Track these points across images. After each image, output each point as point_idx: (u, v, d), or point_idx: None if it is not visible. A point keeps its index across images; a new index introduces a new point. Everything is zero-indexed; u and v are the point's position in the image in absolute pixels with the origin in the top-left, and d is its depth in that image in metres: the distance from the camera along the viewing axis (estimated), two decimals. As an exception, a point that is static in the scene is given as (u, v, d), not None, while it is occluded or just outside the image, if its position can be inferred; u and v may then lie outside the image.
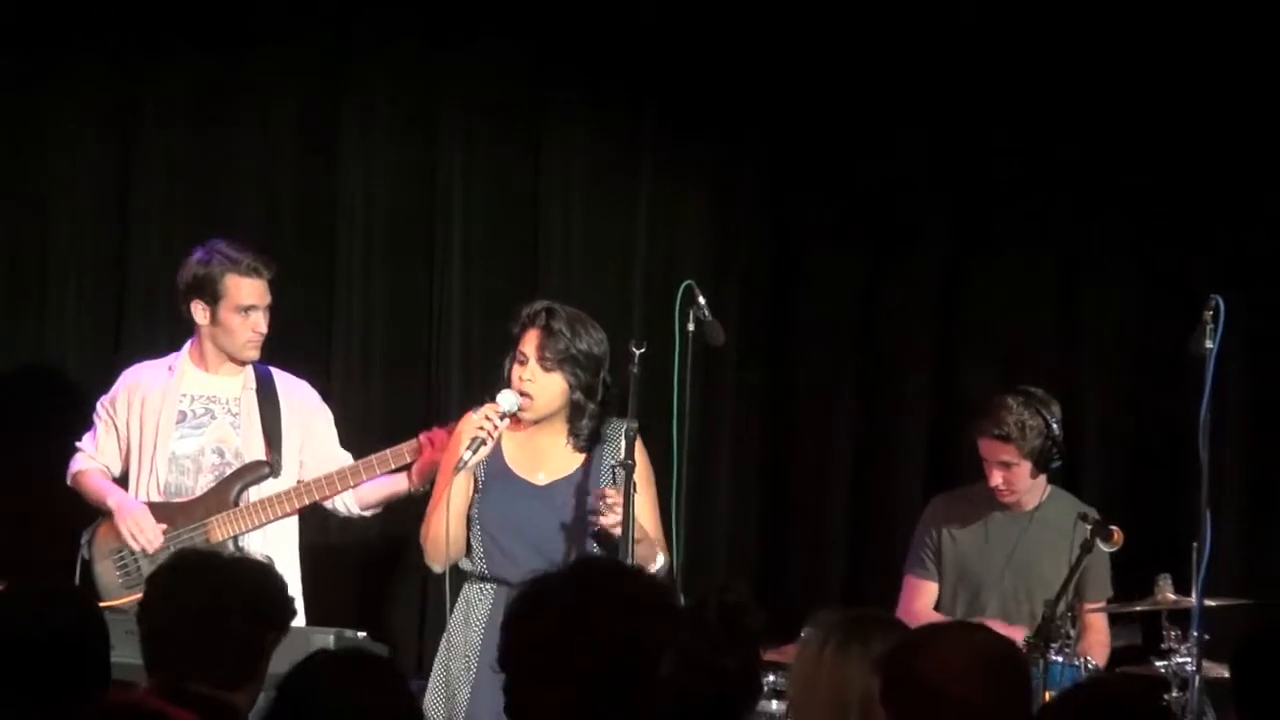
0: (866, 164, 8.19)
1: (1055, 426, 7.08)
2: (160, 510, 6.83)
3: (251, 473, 6.88)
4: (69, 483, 7.03)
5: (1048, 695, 6.49)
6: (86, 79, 8.09)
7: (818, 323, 8.24)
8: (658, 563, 6.42)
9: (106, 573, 6.79)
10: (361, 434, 7.30)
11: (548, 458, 6.48)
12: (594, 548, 6.40)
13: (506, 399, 6.38)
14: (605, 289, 7.37)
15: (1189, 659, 6.62)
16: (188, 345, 7.00)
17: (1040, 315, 8.22)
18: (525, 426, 6.47)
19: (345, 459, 6.94)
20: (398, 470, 6.83)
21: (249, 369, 6.97)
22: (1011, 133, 8.14)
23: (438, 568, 6.46)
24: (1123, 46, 8.04)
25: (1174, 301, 7.74)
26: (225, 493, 6.85)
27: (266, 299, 6.90)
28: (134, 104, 8.11)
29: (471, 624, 6.41)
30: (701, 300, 6.62)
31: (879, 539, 8.05)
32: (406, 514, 6.95)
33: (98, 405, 7.04)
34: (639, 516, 6.32)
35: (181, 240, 7.76)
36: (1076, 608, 7.11)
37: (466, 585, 6.45)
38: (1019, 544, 7.18)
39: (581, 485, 6.41)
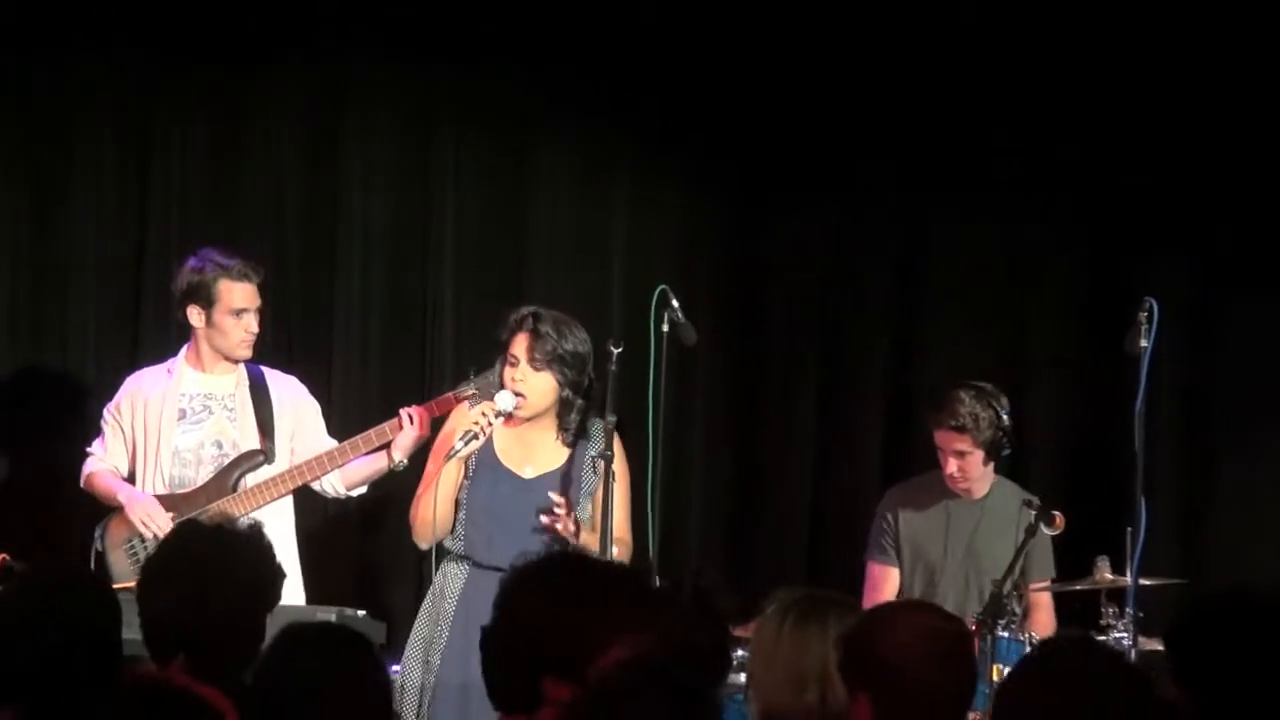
0: (827, 171, 8.20)
1: (1005, 418, 7.11)
2: (167, 501, 6.88)
3: (248, 461, 6.93)
4: (82, 485, 7.10)
5: (996, 668, 6.56)
6: (108, 97, 8.07)
7: (783, 324, 8.26)
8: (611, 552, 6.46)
9: (119, 561, 6.85)
10: (360, 418, 7.35)
11: (536, 452, 6.55)
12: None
13: (503, 399, 6.47)
14: (585, 292, 7.40)
15: (1125, 634, 6.62)
16: (184, 349, 7.07)
17: (987, 315, 8.23)
18: (518, 422, 6.50)
19: (332, 444, 6.98)
20: (380, 448, 6.85)
21: (241, 367, 7.02)
22: (964, 138, 8.15)
23: (423, 545, 6.57)
24: (1061, 51, 8.04)
25: (1112, 303, 7.73)
26: (225, 480, 6.90)
27: (256, 302, 6.96)
28: (151, 121, 8.10)
29: (446, 596, 6.53)
30: (675, 303, 6.68)
31: (840, 525, 8.04)
32: (405, 500, 6.97)
33: (104, 412, 7.11)
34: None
35: (195, 246, 7.80)
36: (1023, 587, 7.13)
37: (446, 561, 6.53)
38: (970, 529, 7.20)
39: (565, 479, 6.47)
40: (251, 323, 6.94)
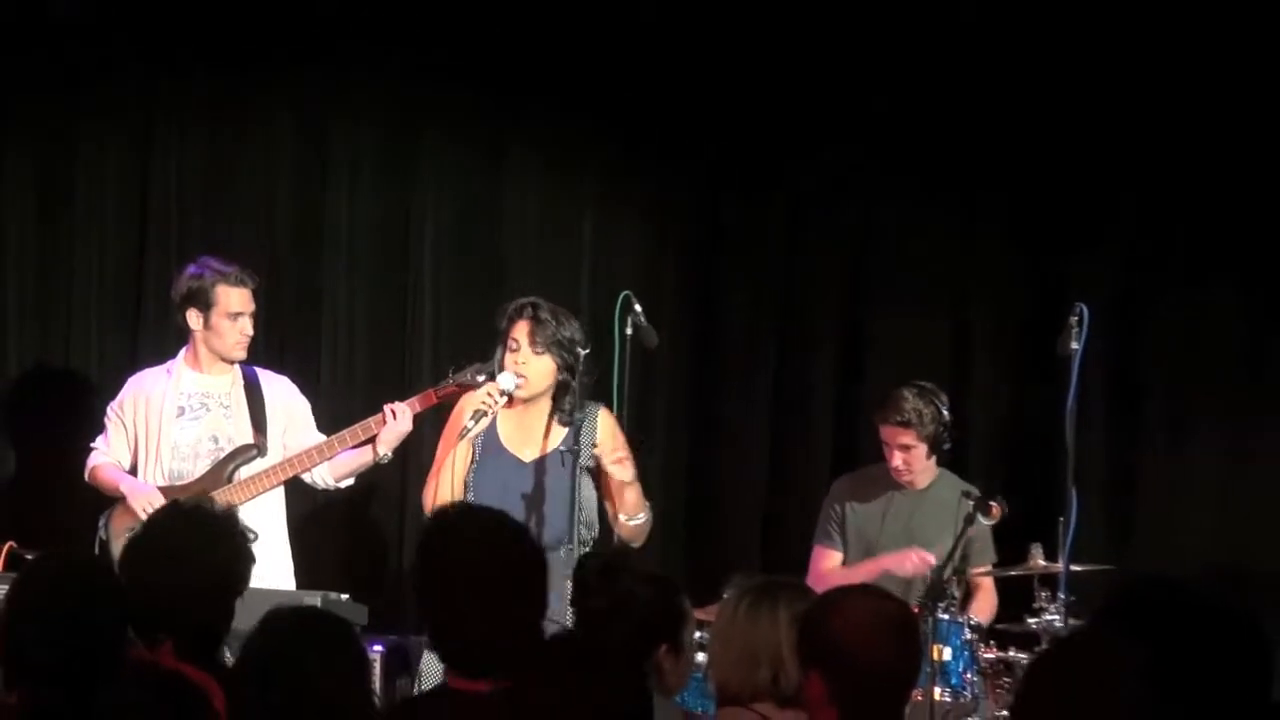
0: (779, 180, 8.23)
1: (945, 413, 7.18)
2: (166, 492, 6.88)
3: (242, 454, 6.97)
4: (86, 478, 7.13)
5: (936, 648, 6.60)
6: (109, 115, 8.11)
7: (739, 327, 8.30)
8: (643, 514, 6.58)
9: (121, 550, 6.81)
10: (346, 410, 7.40)
11: (536, 434, 6.65)
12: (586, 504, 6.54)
13: (505, 379, 6.59)
14: (556, 297, 7.39)
15: (1057, 616, 6.69)
16: (182, 351, 7.09)
17: (933, 317, 8.25)
18: (517, 405, 6.56)
19: (321, 439, 7.01)
20: (365, 442, 6.89)
21: (237, 368, 7.06)
22: (912, 145, 8.14)
23: None
24: (1005, 56, 8.03)
25: (1046, 306, 7.77)
26: (220, 472, 6.93)
27: (251, 306, 7.00)
28: (150, 137, 8.13)
29: None
30: (638, 308, 6.77)
31: (792, 512, 8.06)
32: (388, 490, 7.00)
33: (108, 409, 7.14)
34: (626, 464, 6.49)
35: (192, 247, 7.84)
36: (967, 572, 7.17)
37: None
38: (913, 518, 7.24)
39: (564, 458, 6.54)
40: (247, 325, 6.98)
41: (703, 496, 8.25)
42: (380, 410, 6.86)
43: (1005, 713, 6.77)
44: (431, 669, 6.19)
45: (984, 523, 6.94)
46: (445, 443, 6.70)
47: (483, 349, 7.71)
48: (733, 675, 4.22)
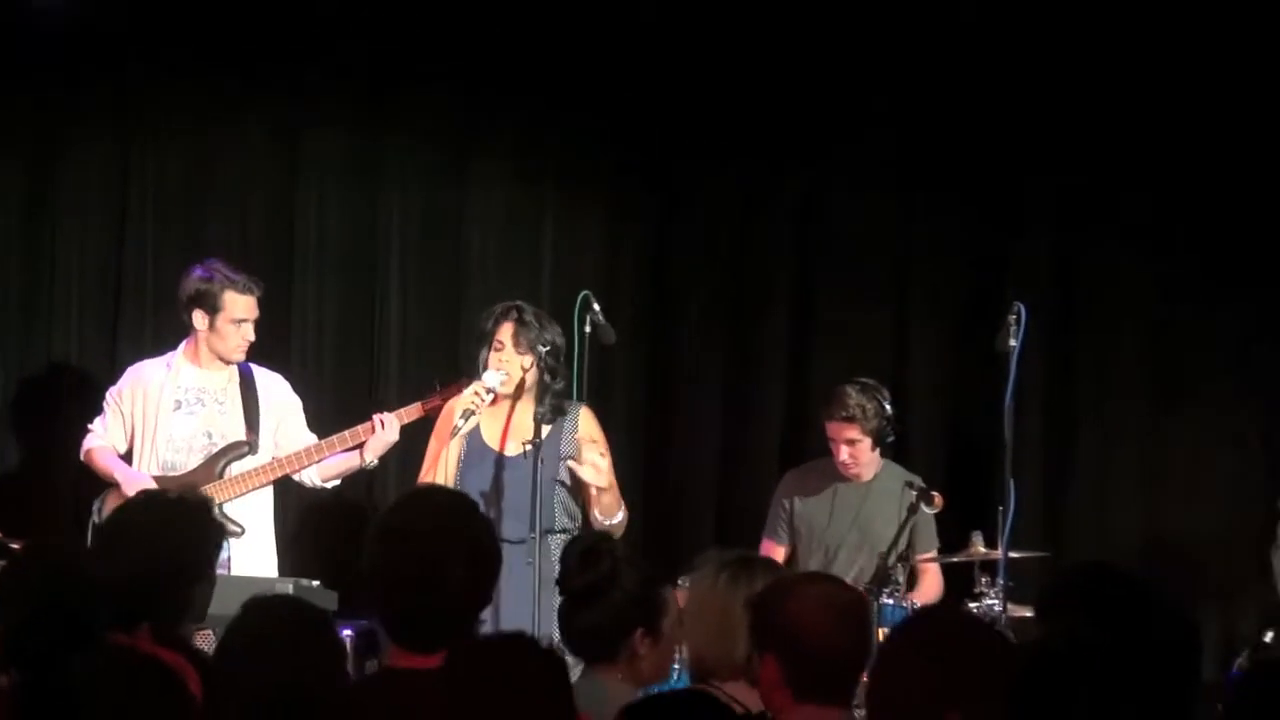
0: (732, 185, 8.26)
1: (888, 408, 7.21)
2: (159, 483, 6.85)
3: (234, 450, 6.97)
4: (82, 458, 7.12)
5: (880, 631, 6.62)
6: (90, 117, 8.07)
7: (692, 323, 8.32)
8: (619, 515, 6.62)
9: None
10: (314, 412, 7.38)
11: (519, 431, 6.65)
12: (565, 500, 6.57)
13: (491, 377, 6.64)
14: (518, 297, 7.39)
15: (997, 601, 6.75)
16: (183, 345, 7.09)
17: (877, 314, 8.28)
18: (500, 402, 6.62)
19: (312, 440, 7.05)
20: (354, 448, 6.93)
21: (233, 366, 7.04)
22: (858, 146, 8.18)
23: None
24: (961, 57, 8.05)
25: (986, 306, 7.80)
26: (212, 467, 6.93)
27: (255, 313, 7.02)
28: (129, 143, 8.10)
29: None
30: (596, 307, 6.84)
31: (742, 500, 8.11)
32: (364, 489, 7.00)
33: (107, 395, 7.14)
34: (603, 469, 6.55)
35: (168, 254, 7.85)
36: (911, 559, 7.20)
37: None
38: (860, 509, 7.28)
39: (547, 452, 6.55)
40: (249, 331, 7.00)
41: (658, 490, 8.25)
42: (367, 413, 6.91)
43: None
44: None
45: (927, 511, 6.98)
46: (436, 438, 6.74)
47: (448, 349, 7.73)
48: (708, 650, 4.17)
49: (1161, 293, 8.10)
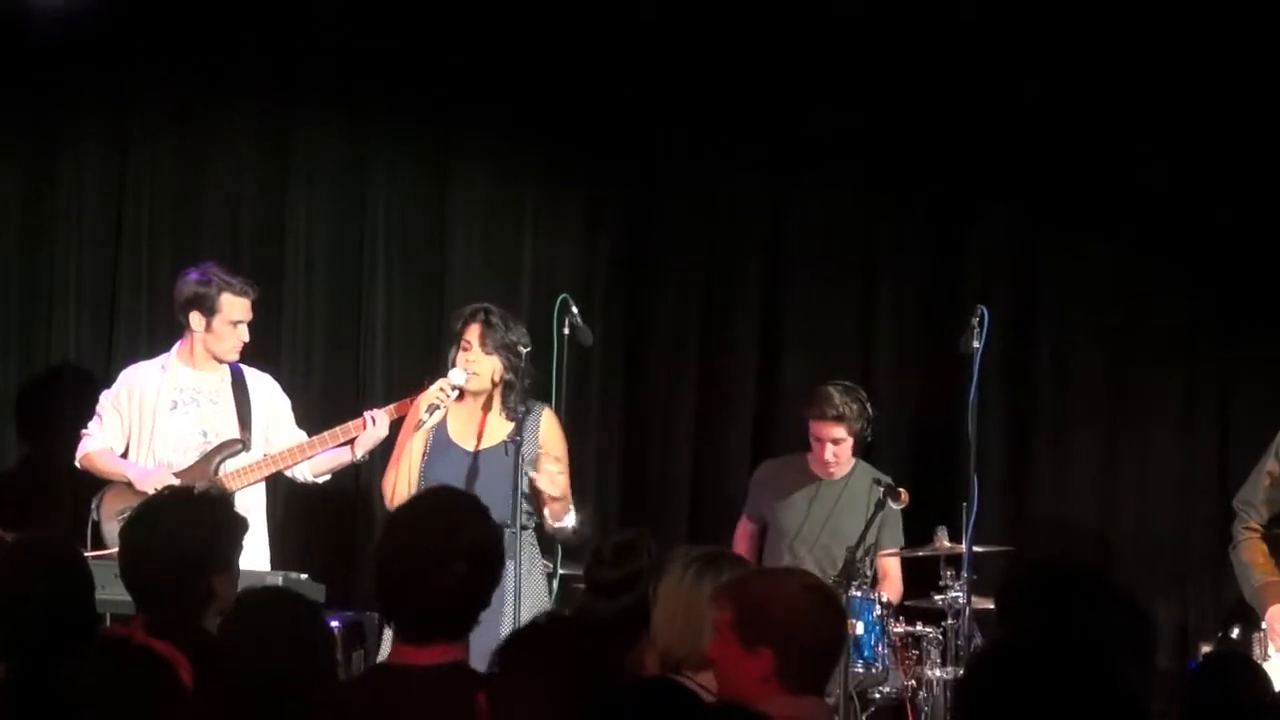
0: (705, 189, 8.28)
1: (869, 408, 7.24)
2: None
3: (228, 448, 7.01)
4: (78, 462, 7.14)
5: (851, 624, 6.66)
6: (87, 122, 8.09)
7: (668, 324, 8.35)
8: (569, 518, 6.63)
9: (112, 531, 6.82)
10: (303, 410, 7.42)
11: (485, 429, 6.68)
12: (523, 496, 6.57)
13: (456, 375, 6.70)
14: (499, 299, 7.43)
15: (961, 594, 6.79)
16: (176, 346, 7.13)
17: (845, 316, 8.30)
18: (466, 400, 6.67)
19: (302, 436, 7.11)
20: (344, 444, 6.97)
21: (226, 366, 7.09)
22: (826, 150, 8.19)
23: (391, 509, 6.60)
24: (926, 59, 8.04)
25: (951, 307, 7.87)
26: (207, 464, 6.96)
27: (250, 315, 7.06)
28: (125, 147, 8.11)
29: None
30: (575, 310, 6.86)
31: (714, 497, 8.15)
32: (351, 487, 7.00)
33: (101, 398, 7.16)
34: (559, 483, 6.58)
35: (163, 256, 7.84)
36: (874, 553, 7.23)
37: None
38: (835, 506, 7.29)
39: (508, 450, 6.59)
40: (244, 332, 7.04)
41: (634, 477, 8.29)
42: (359, 415, 6.94)
43: (913, 682, 6.88)
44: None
45: (894, 507, 7.02)
46: (404, 433, 6.79)
47: (431, 349, 7.75)
48: (678, 643, 4.15)
49: (1118, 294, 8.16)
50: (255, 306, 7.05)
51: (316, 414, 7.37)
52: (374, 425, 6.87)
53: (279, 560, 7.09)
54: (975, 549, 6.81)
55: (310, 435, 7.06)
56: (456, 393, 6.68)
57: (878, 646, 6.78)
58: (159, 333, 7.45)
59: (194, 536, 4.19)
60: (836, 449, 7.20)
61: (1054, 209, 8.14)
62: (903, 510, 7.11)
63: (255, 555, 6.91)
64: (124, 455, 7.04)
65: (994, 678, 3.01)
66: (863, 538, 6.85)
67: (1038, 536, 7.92)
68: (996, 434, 7.95)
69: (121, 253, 8.09)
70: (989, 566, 7.02)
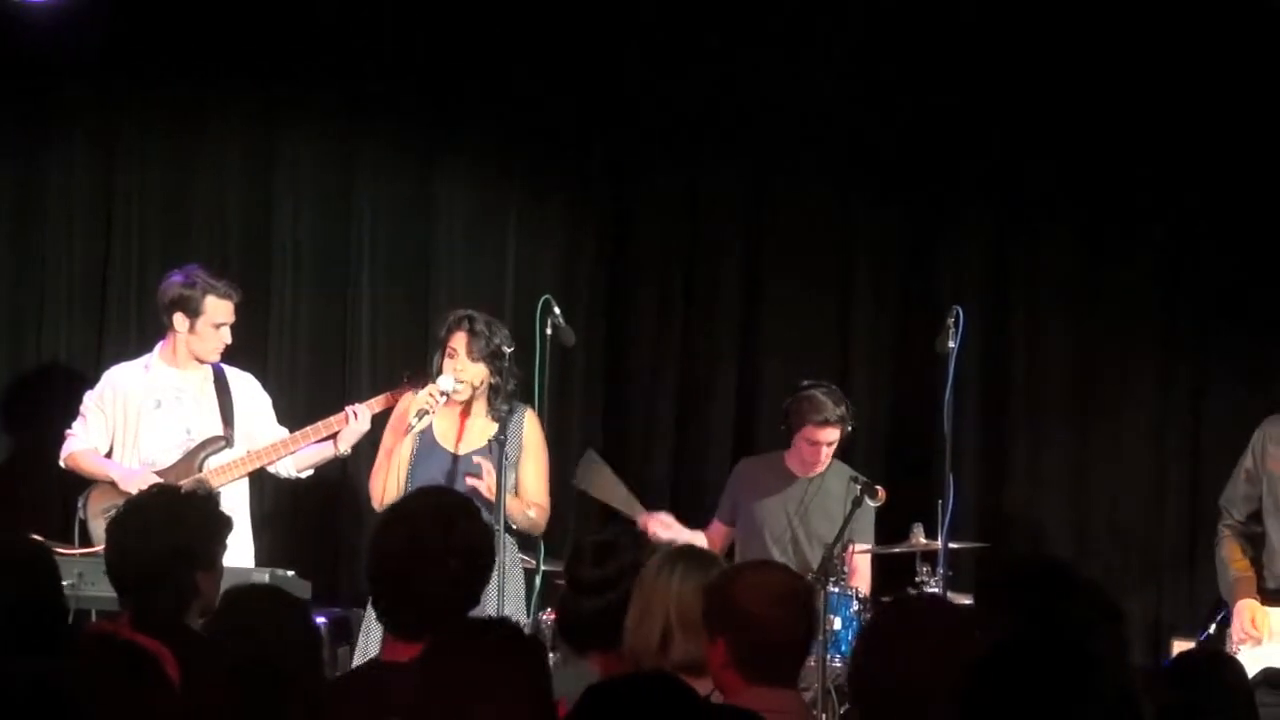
0: (684, 191, 8.29)
1: (852, 410, 7.23)
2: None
3: (211, 445, 7.00)
4: (62, 462, 7.13)
5: (831, 618, 6.66)
6: (76, 126, 8.08)
7: (649, 324, 8.33)
8: (522, 519, 6.63)
9: (99, 528, 6.80)
10: (289, 409, 7.43)
11: (469, 432, 6.71)
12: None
13: (445, 381, 6.70)
14: (483, 301, 7.43)
15: (937, 590, 6.77)
16: (159, 347, 7.12)
17: (821, 317, 8.29)
18: (453, 405, 6.69)
19: (283, 433, 7.09)
20: (327, 439, 6.96)
21: (208, 365, 7.06)
22: (804, 154, 8.18)
23: (380, 509, 6.60)
24: (904, 57, 8.03)
25: (927, 306, 7.88)
26: (191, 461, 6.96)
27: (233, 317, 7.05)
28: (113, 148, 8.09)
29: None
30: (557, 310, 6.88)
31: (695, 493, 8.12)
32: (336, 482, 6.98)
33: (85, 399, 7.14)
34: (528, 479, 6.63)
35: (152, 261, 7.83)
36: (847, 549, 7.22)
37: None
38: (808, 503, 7.29)
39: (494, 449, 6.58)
40: (227, 334, 7.05)
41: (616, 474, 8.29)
42: (340, 409, 6.93)
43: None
44: (374, 637, 6.24)
45: (871, 505, 7.02)
46: (391, 433, 6.79)
47: (416, 349, 7.74)
48: (640, 642, 4.10)
49: (1091, 294, 8.16)
50: (238, 309, 7.05)
51: (302, 413, 7.34)
52: (356, 419, 6.87)
53: (264, 557, 7.08)
54: (951, 546, 6.83)
55: (296, 430, 7.03)
56: (445, 398, 6.69)
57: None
58: (148, 333, 7.42)
59: (179, 534, 4.20)
60: (827, 451, 7.20)
61: (1028, 210, 8.15)
62: (879, 508, 7.10)
63: (239, 553, 6.89)
64: (109, 455, 7.03)
65: (1000, 685, 3.01)
66: (840, 535, 6.83)
67: (1013, 533, 7.93)
68: (972, 433, 7.94)
69: (111, 254, 8.08)
70: (964, 563, 7.02)
